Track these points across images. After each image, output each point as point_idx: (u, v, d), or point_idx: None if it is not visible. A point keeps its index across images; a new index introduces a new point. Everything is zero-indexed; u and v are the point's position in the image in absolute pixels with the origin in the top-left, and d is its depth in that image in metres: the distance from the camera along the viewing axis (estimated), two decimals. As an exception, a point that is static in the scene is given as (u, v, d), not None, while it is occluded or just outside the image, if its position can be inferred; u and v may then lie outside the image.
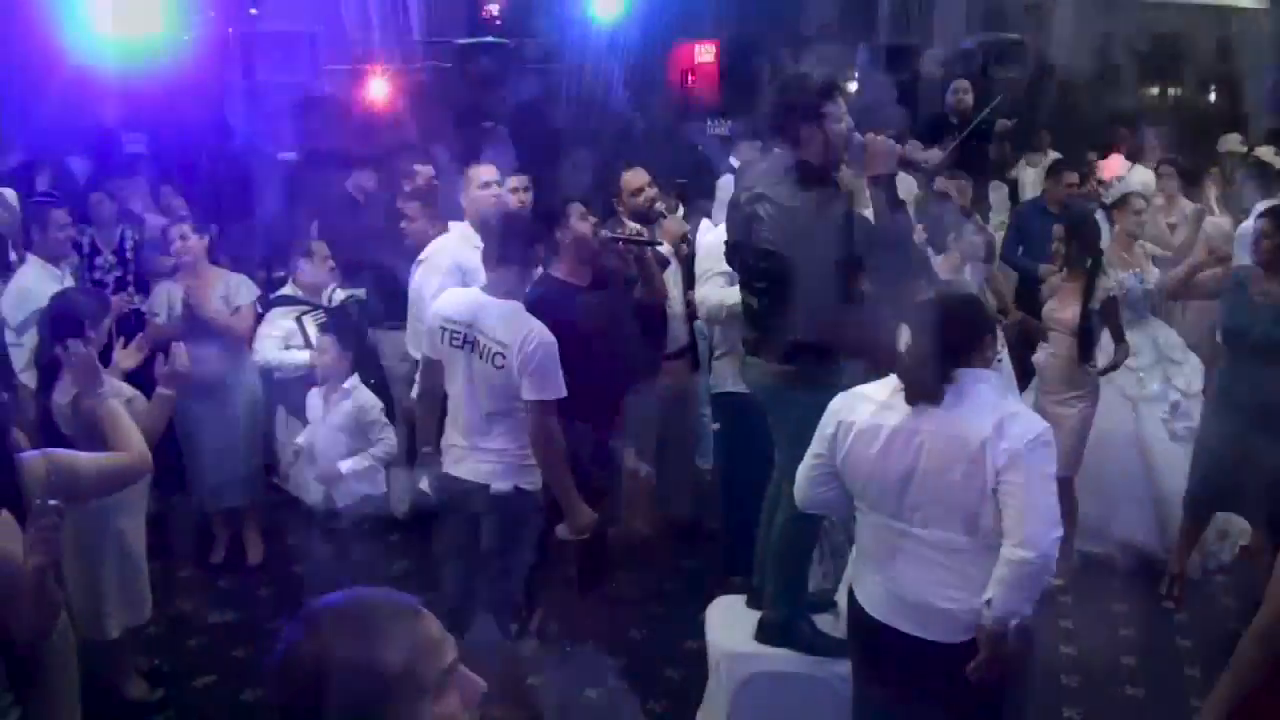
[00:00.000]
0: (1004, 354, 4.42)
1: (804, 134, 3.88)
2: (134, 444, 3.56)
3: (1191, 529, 5.64)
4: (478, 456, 4.45)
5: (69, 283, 5.66)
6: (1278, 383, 5.07)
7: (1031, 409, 4.09)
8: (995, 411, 3.10)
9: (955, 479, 3.09)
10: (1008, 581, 3.06)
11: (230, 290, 6.00)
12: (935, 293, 3.34)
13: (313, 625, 1.58)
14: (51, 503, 2.90)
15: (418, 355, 5.13)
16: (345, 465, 5.15)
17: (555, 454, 4.33)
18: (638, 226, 5.44)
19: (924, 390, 3.16)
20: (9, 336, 5.39)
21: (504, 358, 4.26)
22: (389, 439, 5.27)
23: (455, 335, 4.40)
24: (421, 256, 5.74)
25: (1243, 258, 5.91)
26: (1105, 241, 6.00)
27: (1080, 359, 5.52)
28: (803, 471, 3.48)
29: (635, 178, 5.88)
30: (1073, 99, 13.65)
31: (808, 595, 4.29)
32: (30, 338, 5.15)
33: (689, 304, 5.81)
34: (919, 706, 3.33)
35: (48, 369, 4.49)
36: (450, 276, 5.32)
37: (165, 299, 5.92)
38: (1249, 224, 6.01)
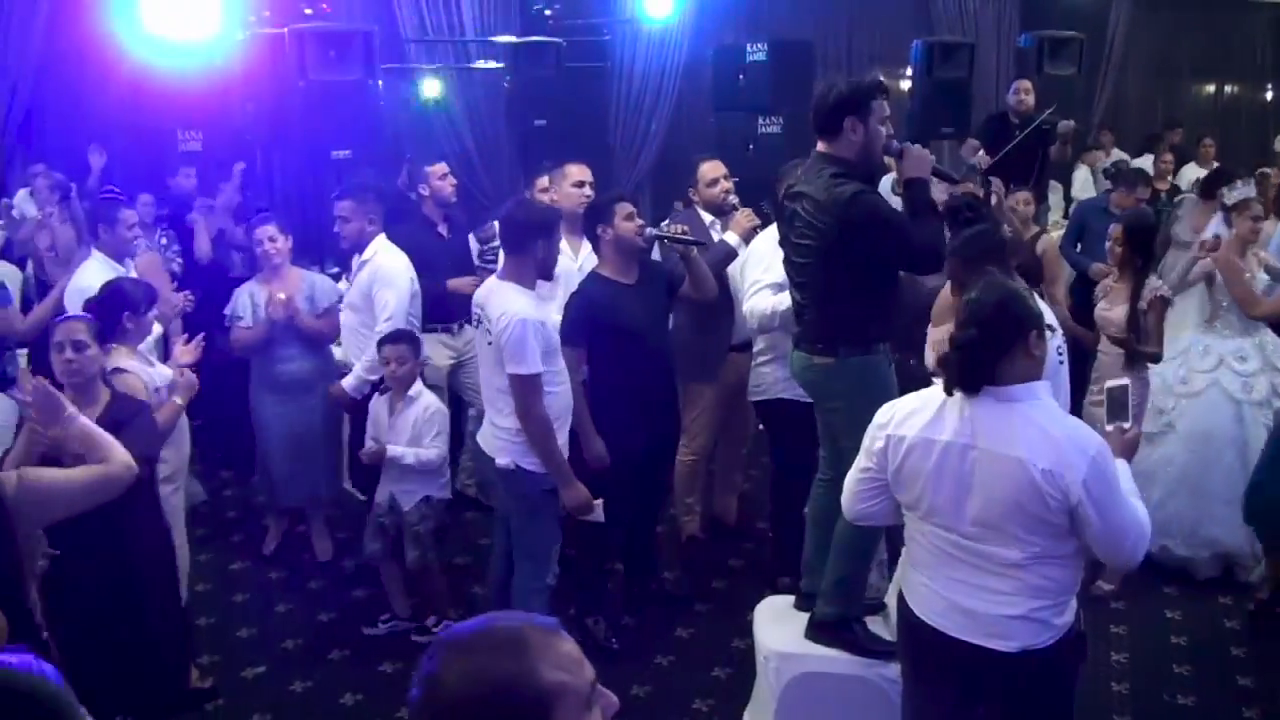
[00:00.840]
0: (1065, 358, 4.35)
1: (846, 131, 3.95)
2: (115, 454, 3.48)
3: None
4: (492, 431, 4.67)
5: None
6: None
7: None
8: (1049, 435, 3.01)
9: (1014, 502, 3.03)
10: None
11: (316, 292, 6.04)
12: (984, 285, 3.26)
13: (460, 649, 1.58)
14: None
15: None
16: (392, 451, 5.20)
17: (538, 429, 4.46)
18: (677, 226, 5.44)
19: (958, 380, 3.12)
20: None
21: (490, 334, 4.45)
22: (440, 449, 5.27)
23: (475, 317, 4.67)
24: None
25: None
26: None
27: (1128, 358, 5.50)
28: (849, 485, 3.46)
29: (712, 169, 5.93)
30: (1129, 98, 13.56)
31: (864, 599, 4.29)
32: None
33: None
34: (969, 712, 3.33)
35: None
36: None
37: (249, 300, 5.91)
38: None
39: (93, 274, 5.44)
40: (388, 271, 5.66)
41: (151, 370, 4.67)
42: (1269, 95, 14.18)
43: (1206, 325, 6.00)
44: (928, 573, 3.28)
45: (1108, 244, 5.76)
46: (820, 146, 4.05)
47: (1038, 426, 3.03)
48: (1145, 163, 10.34)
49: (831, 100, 3.96)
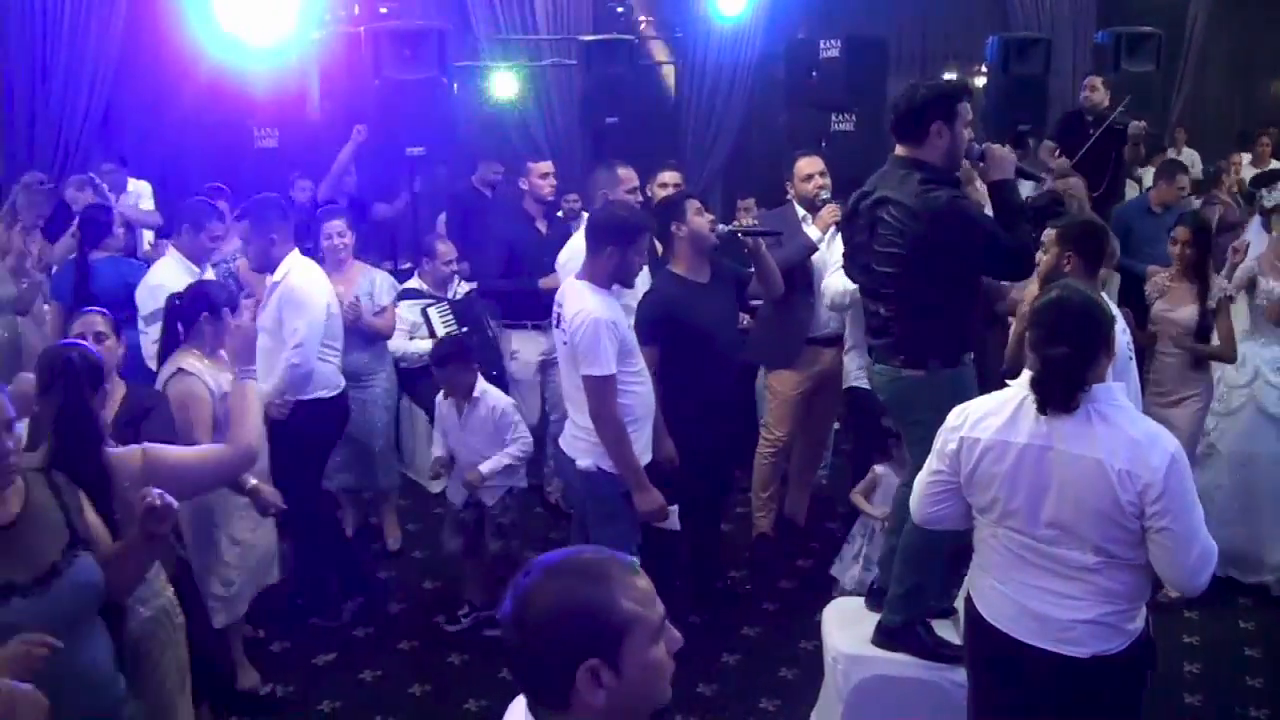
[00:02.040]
0: (1133, 351, 4.30)
1: (933, 136, 3.88)
2: (251, 432, 3.59)
3: None
4: (572, 431, 4.65)
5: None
6: None
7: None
8: (1127, 435, 2.98)
9: (1088, 502, 3.00)
10: None
11: (375, 288, 6.11)
12: (1060, 294, 3.23)
13: (552, 572, 1.77)
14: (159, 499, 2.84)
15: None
16: (485, 468, 5.22)
17: (611, 431, 4.42)
18: (752, 222, 5.44)
19: (1056, 400, 3.07)
20: (140, 325, 5.42)
21: (566, 333, 4.45)
22: (525, 437, 5.31)
23: (555, 315, 4.63)
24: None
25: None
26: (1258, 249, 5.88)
27: (1196, 362, 5.43)
28: (919, 488, 3.43)
29: (808, 164, 5.94)
30: (1208, 96, 13.29)
31: (928, 606, 4.27)
32: (158, 330, 5.14)
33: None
34: (1037, 718, 3.28)
35: (164, 353, 4.60)
36: None
37: None
38: None
39: (166, 271, 5.49)
40: (300, 296, 5.23)
41: (221, 376, 4.70)
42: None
43: (1246, 333, 5.83)
44: (999, 576, 3.26)
45: (1173, 247, 5.60)
46: (900, 150, 3.98)
47: (1116, 427, 3.00)
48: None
49: (917, 104, 3.90)
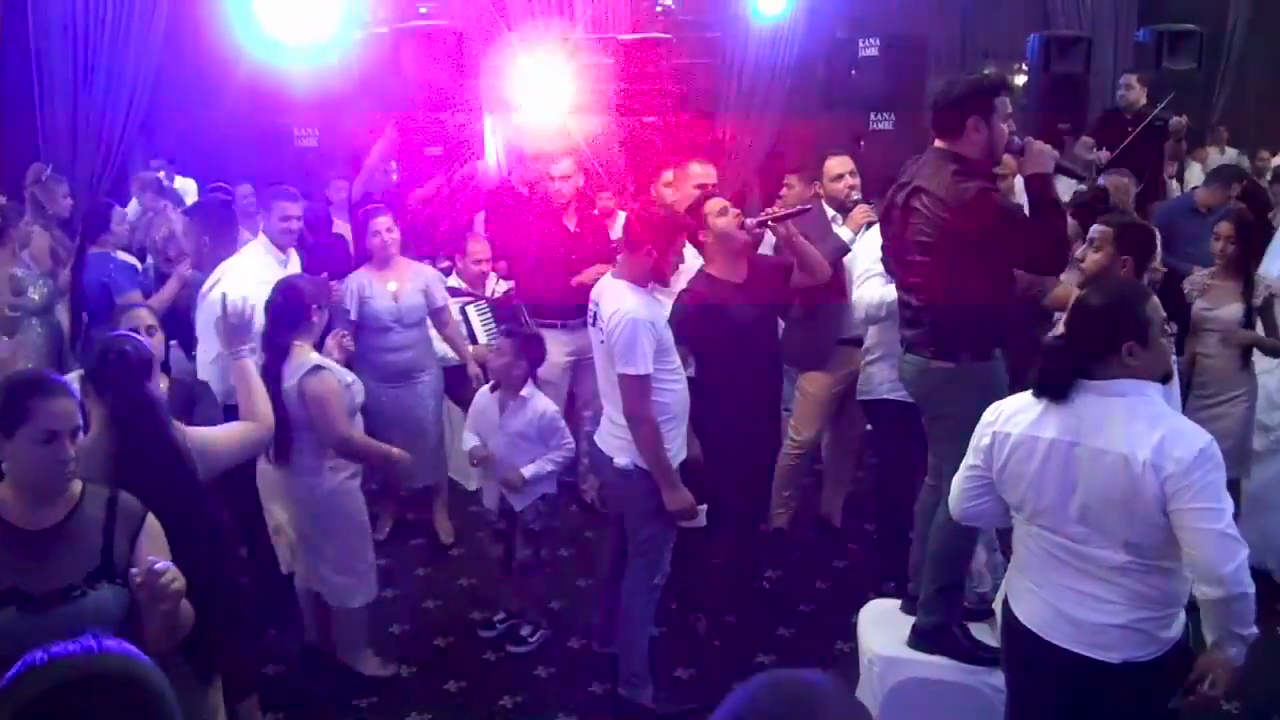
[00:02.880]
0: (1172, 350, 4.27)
1: (970, 130, 3.89)
2: (260, 411, 3.74)
3: None
4: (610, 429, 4.68)
5: (294, 268, 5.81)
6: None
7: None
8: (1154, 429, 2.96)
9: (1116, 498, 2.99)
10: (1215, 619, 2.99)
11: (429, 286, 6.12)
12: (1088, 293, 3.25)
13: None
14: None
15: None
16: (528, 471, 5.16)
17: (645, 430, 4.44)
18: (776, 209, 5.42)
19: (1049, 384, 3.11)
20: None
21: (602, 332, 4.46)
22: (569, 444, 5.27)
23: (590, 313, 4.65)
24: None
25: None
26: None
27: (1242, 358, 5.39)
28: (957, 483, 3.43)
29: (839, 164, 5.94)
30: (1249, 94, 13.14)
31: (964, 603, 4.25)
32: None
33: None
34: None
35: (276, 351, 4.67)
36: None
37: (355, 290, 5.98)
38: None
39: (251, 256, 5.65)
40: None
41: (341, 369, 4.83)
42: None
43: None
44: (1034, 577, 3.25)
45: (1216, 243, 5.54)
46: (939, 143, 3.99)
47: (1143, 420, 2.99)
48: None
49: (954, 98, 3.92)
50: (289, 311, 4.65)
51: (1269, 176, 9.19)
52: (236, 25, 7.45)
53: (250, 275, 5.32)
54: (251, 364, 4.06)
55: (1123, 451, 2.97)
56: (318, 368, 4.58)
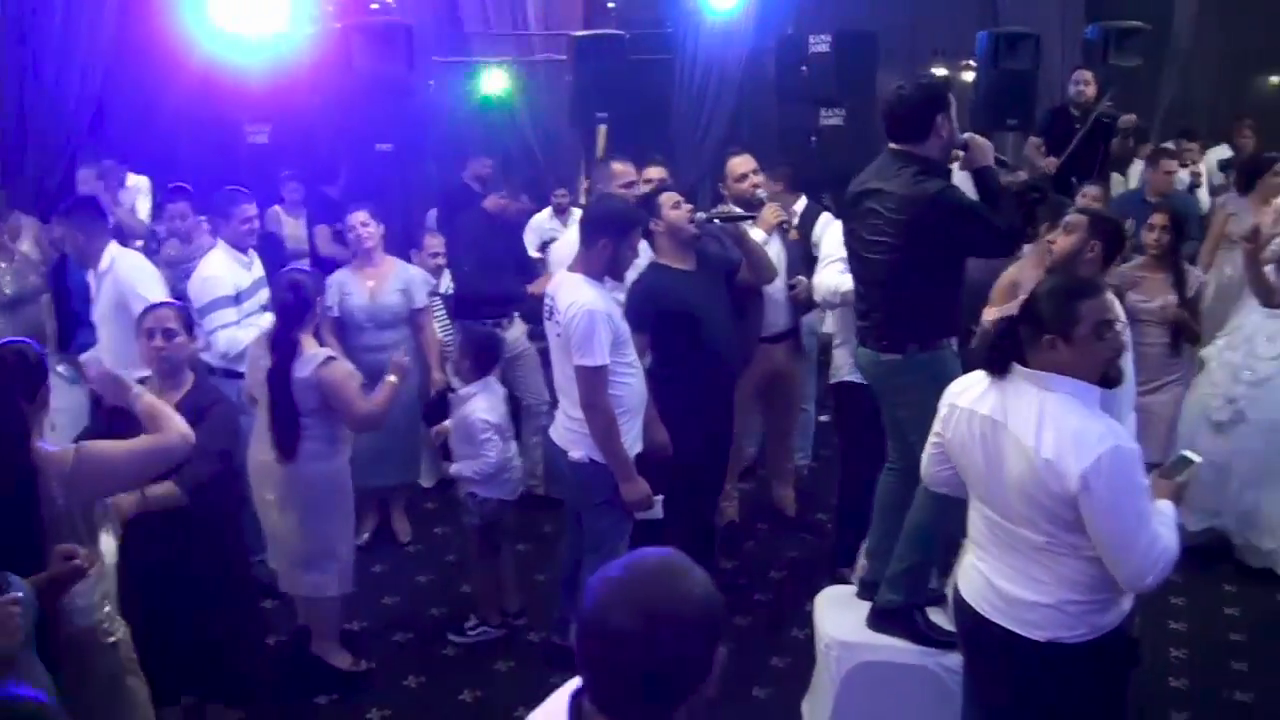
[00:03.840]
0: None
1: (935, 131, 4.00)
2: (170, 425, 3.54)
3: None
4: (564, 423, 4.72)
5: (257, 270, 5.82)
6: None
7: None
8: (1057, 430, 3.00)
9: (1025, 486, 3.06)
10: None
11: (409, 284, 6.10)
12: (1043, 281, 3.37)
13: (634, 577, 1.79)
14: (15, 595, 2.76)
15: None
16: (453, 468, 5.24)
17: (601, 421, 4.48)
18: (727, 207, 5.48)
19: (992, 358, 3.22)
20: (194, 317, 5.53)
21: (559, 325, 4.49)
22: (487, 456, 5.15)
23: (546, 307, 4.67)
24: None
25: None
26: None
27: (1174, 347, 5.50)
28: (926, 450, 3.55)
29: (741, 164, 5.97)
30: (1195, 90, 13.38)
31: (927, 589, 4.31)
32: (213, 320, 5.47)
33: (791, 288, 5.85)
34: (1005, 697, 3.36)
35: (289, 346, 4.68)
36: None
37: (337, 288, 5.97)
38: None
39: (217, 263, 5.66)
40: (137, 276, 5.48)
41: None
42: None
43: (1270, 310, 5.86)
44: (978, 553, 3.35)
45: (1150, 233, 5.62)
46: (896, 146, 4.08)
47: (1053, 417, 3.04)
48: (1221, 153, 10.26)
49: (918, 102, 4.01)
50: (299, 307, 4.67)
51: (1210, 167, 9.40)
52: (187, 18, 7.39)
53: (224, 281, 5.47)
54: (150, 397, 3.84)
55: (1029, 444, 3.04)
56: (330, 358, 4.67)
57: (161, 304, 4.48)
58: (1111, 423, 3.07)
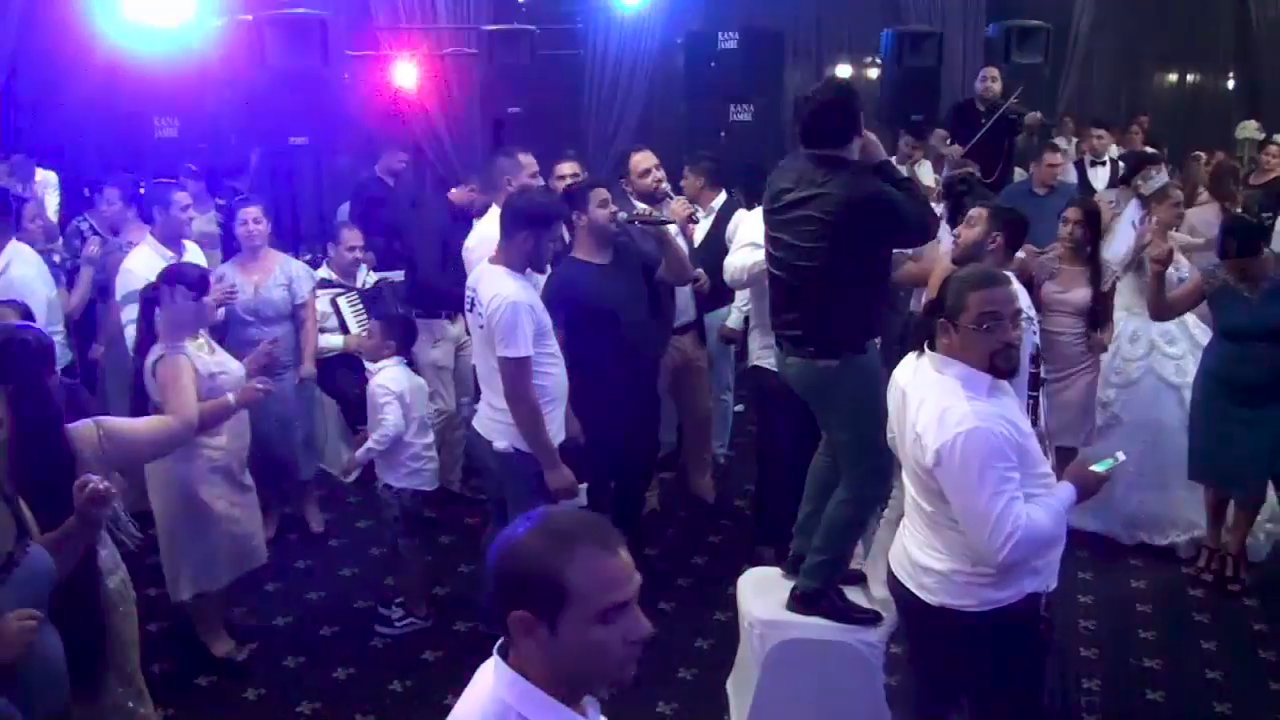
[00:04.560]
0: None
1: (849, 136, 3.98)
2: (186, 406, 3.73)
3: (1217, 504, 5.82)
4: (487, 413, 4.76)
5: (195, 257, 5.78)
6: (1270, 360, 5.41)
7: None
8: (933, 404, 3.23)
9: (910, 454, 3.33)
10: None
11: (293, 279, 6.04)
12: (955, 273, 3.54)
13: (534, 523, 1.86)
14: (101, 485, 2.99)
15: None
16: (358, 455, 5.28)
17: (526, 411, 4.53)
18: (645, 207, 5.54)
19: (914, 337, 3.46)
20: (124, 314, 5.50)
21: (482, 316, 4.53)
22: (385, 420, 5.17)
23: (468, 299, 4.71)
24: None
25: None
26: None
27: (1086, 337, 5.66)
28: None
29: (643, 159, 6.04)
30: (1094, 87, 13.78)
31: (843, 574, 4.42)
32: (126, 314, 5.41)
33: (696, 280, 5.87)
34: (925, 661, 3.71)
35: (147, 333, 4.65)
36: None
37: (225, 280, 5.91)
38: None
39: (143, 259, 5.61)
40: (23, 284, 5.34)
41: (208, 358, 4.72)
42: (1231, 83, 14.41)
43: (1136, 309, 6.09)
44: (905, 522, 3.58)
45: (1063, 227, 5.77)
46: (819, 151, 4.00)
47: (932, 396, 3.26)
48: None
49: (838, 108, 3.97)
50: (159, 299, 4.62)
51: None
52: (94, 9, 7.26)
53: (139, 276, 5.34)
54: (184, 360, 4.04)
55: (913, 419, 3.28)
56: (165, 355, 4.53)
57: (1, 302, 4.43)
58: (984, 408, 3.21)
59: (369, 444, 5.21)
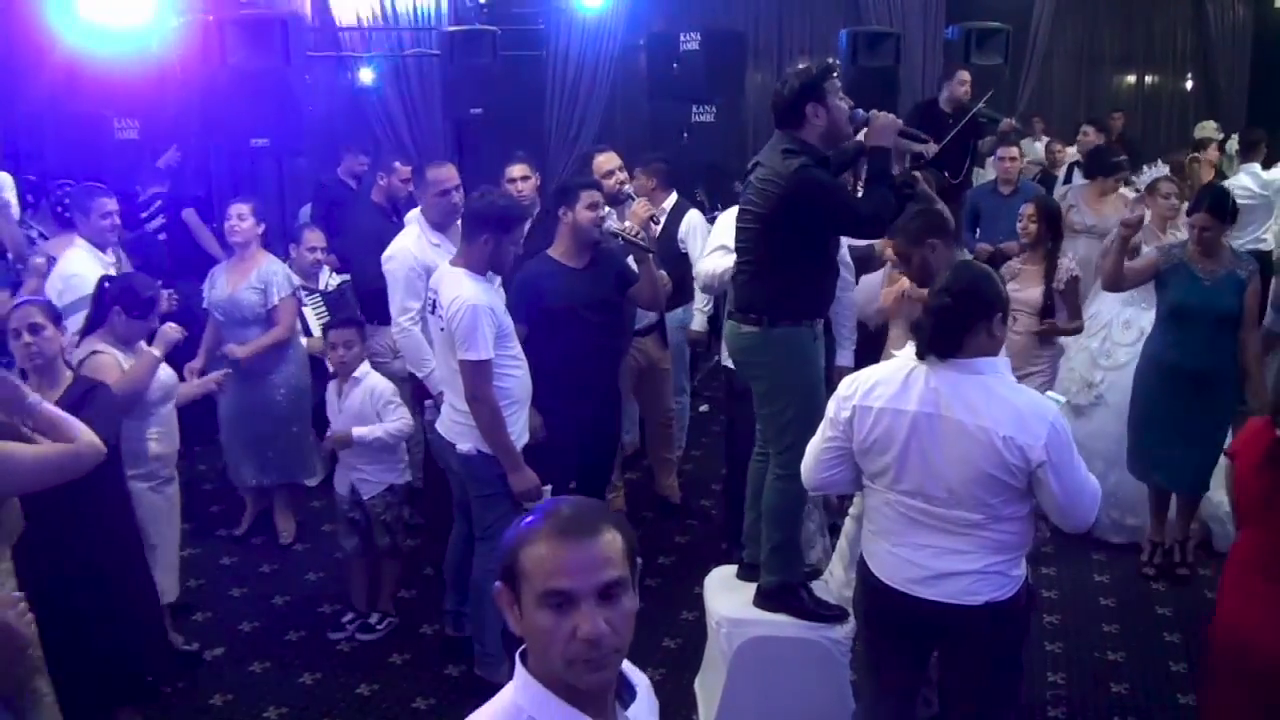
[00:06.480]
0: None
1: (809, 117, 4.00)
2: (83, 435, 3.46)
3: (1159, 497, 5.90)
4: (450, 415, 4.74)
5: (124, 268, 5.70)
6: (1220, 347, 5.49)
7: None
8: (1012, 405, 3.24)
9: (978, 466, 3.24)
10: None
11: (268, 283, 5.94)
12: (957, 265, 3.55)
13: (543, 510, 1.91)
14: None
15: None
16: (358, 432, 5.11)
17: (487, 413, 4.52)
18: (633, 226, 5.49)
19: (931, 343, 3.33)
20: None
21: (442, 319, 4.53)
22: (404, 417, 5.21)
23: (429, 302, 4.72)
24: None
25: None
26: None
27: (1041, 337, 5.69)
28: (812, 453, 3.62)
29: (606, 160, 6.07)
30: (1054, 87, 13.93)
31: (803, 565, 4.43)
32: (76, 322, 5.10)
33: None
34: (924, 666, 3.67)
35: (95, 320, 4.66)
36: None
37: (210, 281, 5.97)
38: None
39: (76, 262, 5.51)
40: None
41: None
42: (1189, 84, 14.58)
43: (1125, 298, 6.20)
44: (893, 540, 3.47)
45: (1020, 224, 5.86)
46: (780, 130, 4.07)
47: (1000, 396, 3.25)
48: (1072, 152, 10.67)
49: (788, 93, 4.01)
50: (95, 303, 4.69)
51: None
52: (51, 9, 7.18)
53: (87, 280, 5.17)
54: (113, 361, 4.05)
55: (984, 425, 3.23)
56: (96, 353, 4.57)
57: (25, 300, 4.37)
58: (1036, 392, 3.45)
59: (379, 433, 5.13)
